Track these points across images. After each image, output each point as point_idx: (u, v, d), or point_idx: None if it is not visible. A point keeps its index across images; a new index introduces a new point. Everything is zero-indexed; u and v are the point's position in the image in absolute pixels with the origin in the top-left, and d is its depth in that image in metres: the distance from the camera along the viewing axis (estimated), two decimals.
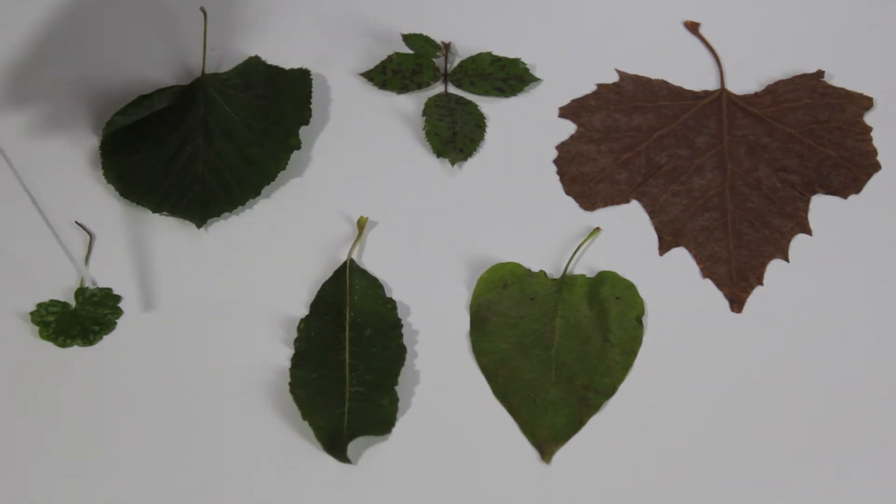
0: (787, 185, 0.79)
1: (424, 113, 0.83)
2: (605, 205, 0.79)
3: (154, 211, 0.78)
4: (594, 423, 0.69)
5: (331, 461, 0.67)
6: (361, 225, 0.77)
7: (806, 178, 0.80)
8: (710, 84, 0.86)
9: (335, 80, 0.87)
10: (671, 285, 0.75)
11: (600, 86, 0.86)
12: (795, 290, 0.75)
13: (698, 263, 0.76)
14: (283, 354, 0.72)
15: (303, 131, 0.82)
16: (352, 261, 0.76)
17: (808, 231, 0.77)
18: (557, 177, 0.81)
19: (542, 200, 0.80)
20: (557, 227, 0.78)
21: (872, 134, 0.82)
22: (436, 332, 0.73)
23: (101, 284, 0.75)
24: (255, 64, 0.86)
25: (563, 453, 0.68)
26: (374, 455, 0.68)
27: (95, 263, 0.76)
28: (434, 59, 0.87)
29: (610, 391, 0.70)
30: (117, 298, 0.74)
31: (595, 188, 0.80)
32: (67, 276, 0.76)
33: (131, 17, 0.91)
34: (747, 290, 0.75)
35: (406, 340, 0.72)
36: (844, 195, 0.79)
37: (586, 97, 0.85)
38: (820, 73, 0.86)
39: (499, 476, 0.67)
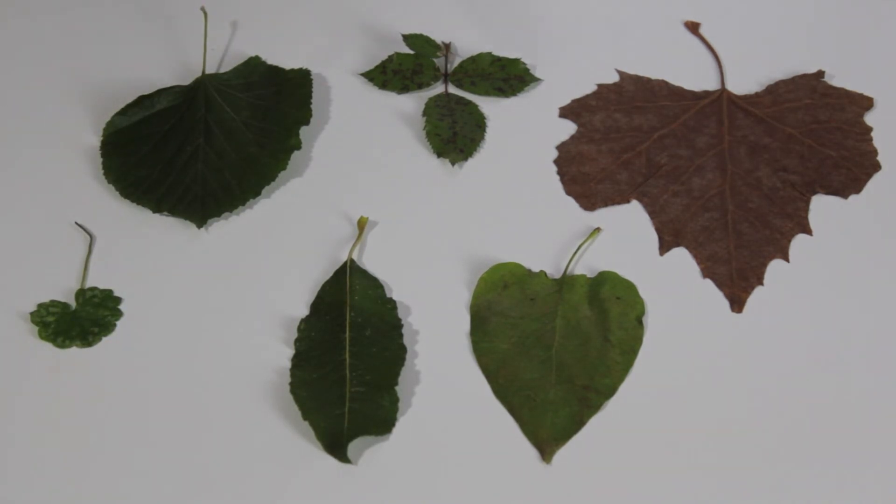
0: (788, 186, 0.79)
1: (425, 113, 0.83)
2: (606, 205, 0.79)
3: (154, 211, 0.78)
4: (594, 423, 0.69)
5: (331, 461, 0.67)
6: (362, 225, 0.77)
7: (806, 178, 0.80)
8: (711, 84, 0.86)
9: (335, 80, 0.87)
10: (671, 285, 0.75)
11: (600, 86, 0.86)
12: (795, 290, 0.75)
13: (699, 263, 0.76)
14: (283, 354, 0.72)
15: (303, 131, 0.82)
16: (352, 261, 0.76)
17: (808, 231, 0.77)
18: (558, 177, 0.81)
19: (543, 200, 0.80)
20: (557, 227, 0.78)
21: (872, 134, 0.82)
22: (436, 332, 0.73)
23: (101, 285, 0.75)
24: (255, 64, 0.86)
25: (564, 453, 0.68)
26: (374, 455, 0.68)
27: (95, 264, 0.76)
28: (434, 60, 0.87)
29: (610, 391, 0.70)
30: (118, 300, 0.74)
31: (595, 188, 0.80)
32: (68, 276, 0.76)
33: (131, 17, 0.91)
34: (747, 290, 0.75)
35: (406, 340, 0.72)
36: (844, 195, 0.79)
37: (586, 97, 0.85)
38: (820, 73, 0.86)
39: (499, 476, 0.67)
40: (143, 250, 0.77)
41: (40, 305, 0.74)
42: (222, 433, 0.69)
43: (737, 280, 0.75)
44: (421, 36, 0.88)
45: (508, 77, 0.86)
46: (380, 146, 0.83)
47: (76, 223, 0.78)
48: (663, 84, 0.86)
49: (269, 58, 0.87)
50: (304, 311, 0.74)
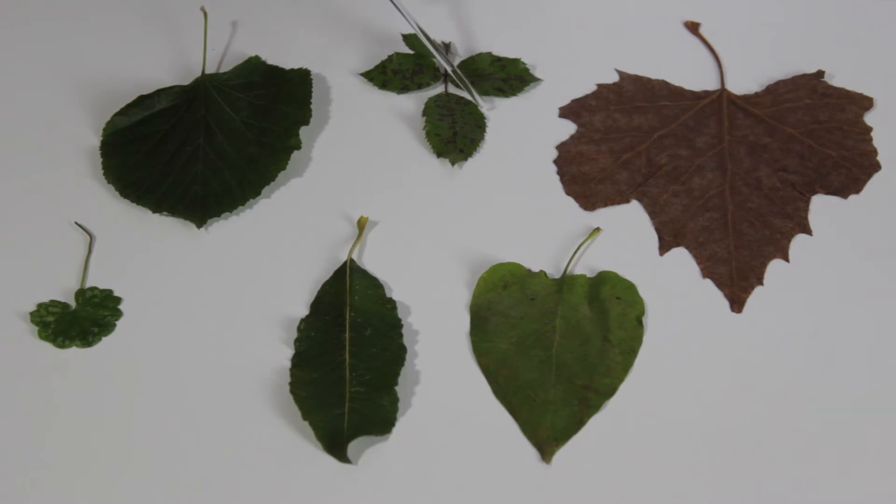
0: (788, 186, 0.79)
1: (425, 113, 0.83)
2: (606, 205, 0.79)
3: (154, 211, 0.78)
4: (594, 423, 0.69)
5: (331, 461, 0.67)
6: (361, 225, 0.77)
7: (806, 178, 0.80)
8: (710, 84, 0.86)
9: (335, 80, 0.87)
10: (671, 285, 0.75)
11: (600, 86, 0.86)
12: (795, 290, 0.75)
13: (698, 263, 0.76)
14: (283, 354, 0.72)
15: (303, 131, 0.82)
16: (352, 261, 0.76)
17: (808, 231, 0.77)
18: (557, 177, 0.81)
19: (542, 200, 0.80)
20: (557, 227, 0.78)
21: (872, 134, 0.82)
22: (436, 332, 0.73)
23: (101, 285, 0.75)
24: (255, 64, 0.86)
25: (563, 453, 0.68)
26: (374, 455, 0.68)
27: (95, 264, 0.76)
28: (434, 59, 0.87)
29: (610, 391, 0.70)
30: (118, 300, 0.74)
31: (595, 188, 0.80)
32: (68, 276, 0.76)
33: (131, 17, 0.91)
34: (747, 290, 0.75)
35: (406, 340, 0.72)
36: (844, 195, 0.79)
37: (586, 97, 0.85)
38: (820, 73, 0.86)
39: (499, 476, 0.67)
40: (143, 250, 0.77)
41: (40, 305, 0.74)
42: (222, 433, 0.69)
43: (737, 280, 0.75)
44: None
45: (508, 77, 0.86)
46: (380, 146, 0.83)
47: (76, 223, 0.78)
48: (663, 84, 0.86)
49: (269, 58, 0.87)
50: (304, 311, 0.74)
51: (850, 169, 0.80)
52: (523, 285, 0.74)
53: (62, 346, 0.72)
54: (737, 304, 0.74)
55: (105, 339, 0.73)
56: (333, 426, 0.67)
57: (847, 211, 0.79)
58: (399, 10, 0.81)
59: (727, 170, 0.80)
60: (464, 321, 0.74)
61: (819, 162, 0.80)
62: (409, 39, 0.87)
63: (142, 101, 0.83)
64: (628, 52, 0.88)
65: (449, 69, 0.82)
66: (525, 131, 0.83)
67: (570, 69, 0.87)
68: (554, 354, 0.71)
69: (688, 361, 0.71)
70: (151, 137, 0.81)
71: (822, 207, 0.79)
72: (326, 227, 0.78)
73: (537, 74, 0.87)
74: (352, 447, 0.67)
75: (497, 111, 0.85)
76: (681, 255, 0.77)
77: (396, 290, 0.75)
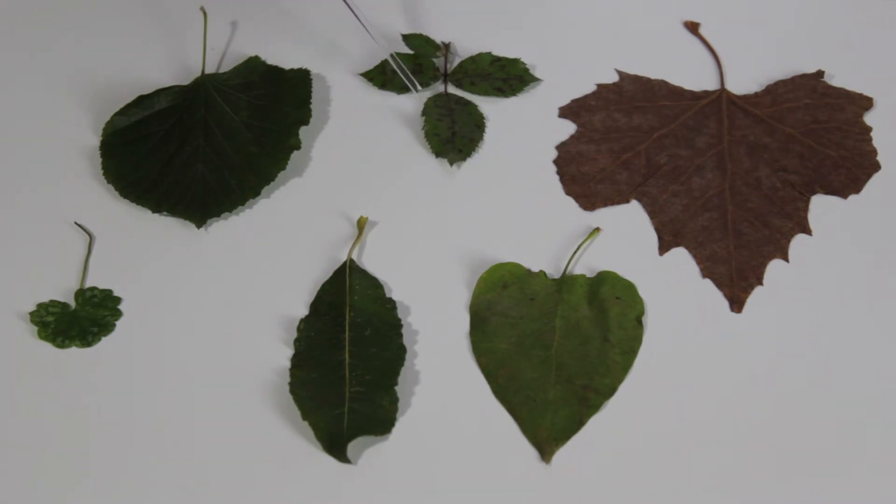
0: (787, 185, 0.79)
1: (424, 113, 0.83)
2: (605, 205, 0.79)
3: (154, 211, 0.78)
4: (594, 423, 0.69)
5: (331, 461, 0.67)
6: (361, 225, 0.77)
7: (806, 178, 0.80)
8: (710, 84, 0.86)
9: (335, 80, 0.87)
10: (671, 285, 0.75)
11: (600, 86, 0.86)
12: (795, 290, 0.75)
13: (698, 263, 0.76)
14: (283, 354, 0.72)
15: (303, 131, 0.82)
16: (352, 261, 0.76)
17: (808, 231, 0.77)
18: (557, 177, 0.81)
19: (542, 200, 0.80)
20: (557, 227, 0.78)
21: (872, 134, 0.82)
22: (436, 332, 0.73)
23: (101, 285, 0.75)
24: (255, 64, 0.86)
25: (563, 453, 0.68)
26: (374, 455, 0.68)
27: (95, 264, 0.76)
28: (434, 59, 0.87)
29: (610, 391, 0.70)
30: (117, 300, 0.74)
31: (595, 188, 0.80)
32: (68, 276, 0.76)
33: (131, 16, 0.91)
34: (747, 290, 0.75)
35: (406, 340, 0.72)
36: (844, 195, 0.79)
37: (586, 97, 0.85)
38: (820, 73, 0.86)
39: (499, 476, 0.67)
40: (143, 250, 0.77)
41: (40, 305, 0.74)
42: (222, 433, 0.69)
43: (736, 280, 0.75)
44: (421, 36, 0.88)
45: (508, 77, 0.86)
46: (379, 146, 0.83)
47: (76, 223, 0.78)
48: (663, 84, 0.86)
49: (269, 58, 0.87)
50: (304, 311, 0.74)
51: (849, 169, 0.80)
52: (523, 285, 0.74)
53: (62, 346, 0.72)
54: (736, 304, 0.74)
55: (105, 339, 0.73)
56: (333, 426, 0.67)
57: (847, 211, 0.79)
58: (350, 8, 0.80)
59: (727, 170, 0.80)
60: (464, 321, 0.74)
61: (819, 162, 0.81)
62: (409, 39, 0.87)
63: (141, 101, 0.83)
64: (628, 52, 0.88)
65: (387, 56, 0.82)
66: (525, 131, 0.83)
67: (570, 69, 0.87)
68: (553, 354, 0.71)
69: (687, 361, 0.72)
70: (151, 137, 0.81)
71: (822, 207, 0.79)
72: (326, 227, 0.78)
73: (537, 74, 0.87)
74: (351, 447, 0.67)
75: (497, 111, 0.85)
76: (680, 255, 0.77)
77: (396, 290, 0.75)
